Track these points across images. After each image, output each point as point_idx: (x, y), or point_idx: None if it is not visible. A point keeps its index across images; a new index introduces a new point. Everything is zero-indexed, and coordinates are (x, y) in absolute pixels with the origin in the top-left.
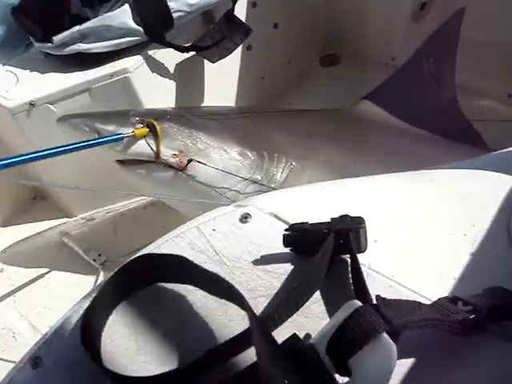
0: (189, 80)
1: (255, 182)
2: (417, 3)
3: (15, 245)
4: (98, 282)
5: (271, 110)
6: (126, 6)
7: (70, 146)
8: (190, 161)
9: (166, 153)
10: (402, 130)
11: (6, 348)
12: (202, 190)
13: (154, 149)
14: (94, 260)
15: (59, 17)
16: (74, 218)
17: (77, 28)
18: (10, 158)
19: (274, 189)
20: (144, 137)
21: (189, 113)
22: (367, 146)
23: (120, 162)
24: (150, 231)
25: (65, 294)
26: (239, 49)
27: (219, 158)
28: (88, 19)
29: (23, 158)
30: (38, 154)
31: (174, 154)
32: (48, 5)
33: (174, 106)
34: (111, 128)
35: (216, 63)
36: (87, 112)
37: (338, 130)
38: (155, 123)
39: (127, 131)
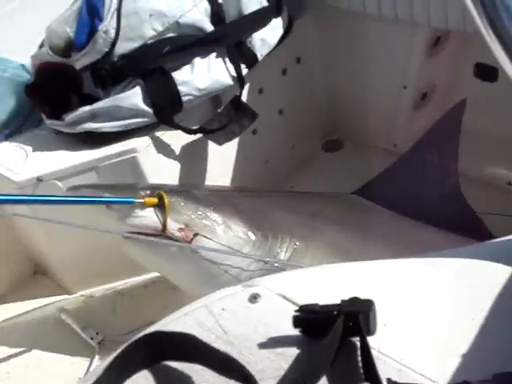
0: (194, 161)
1: (259, 261)
2: (418, 93)
3: (12, 320)
4: (94, 362)
5: (275, 190)
6: (137, 89)
7: (81, 198)
8: (195, 235)
9: (172, 226)
10: (403, 219)
11: None
12: (205, 265)
13: (162, 220)
14: (92, 338)
15: (71, 96)
16: (74, 295)
17: (88, 107)
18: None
19: (277, 268)
20: (153, 206)
21: (195, 189)
22: (370, 230)
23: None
24: (149, 311)
25: (59, 373)
26: (245, 132)
27: (224, 235)
28: (99, 99)
29: (30, 198)
30: (45, 198)
31: (180, 228)
32: (61, 84)
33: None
34: None
35: (221, 146)
36: (97, 183)
37: (341, 213)
38: (164, 195)
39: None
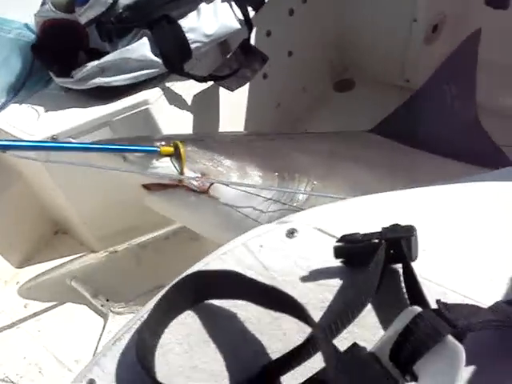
0: (207, 109)
1: (277, 201)
2: (429, 26)
3: (37, 279)
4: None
5: (290, 133)
6: (145, 39)
7: (101, 146)
8: (212, 183)
9: (189, 175)
10: (422, 153)
11: None
12: (225, 211)
13: (179, 170)
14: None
15: (78, 52)
16: (96, 252)
17: (96, 62)
18: (41, 142)
19: (296, 207)
20: (169, 155)
21: (209, 137)
22: (389, 165)
23: (145, 187)
24: (172, 262)
25: (88, 326)
26: (255, 77)
27: (241, 181)
28: (107, 53)
29: (50, 145)
30: (65, 145)
31: (197, 177)
32: (66, 40)
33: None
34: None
35: (233, 92)
36: (112, 138)
37: (358, 150)
38: (180, 144)
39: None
